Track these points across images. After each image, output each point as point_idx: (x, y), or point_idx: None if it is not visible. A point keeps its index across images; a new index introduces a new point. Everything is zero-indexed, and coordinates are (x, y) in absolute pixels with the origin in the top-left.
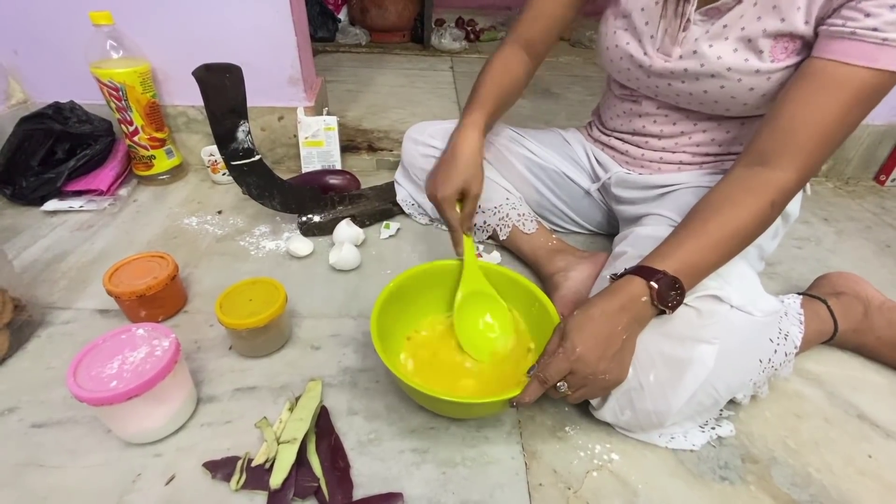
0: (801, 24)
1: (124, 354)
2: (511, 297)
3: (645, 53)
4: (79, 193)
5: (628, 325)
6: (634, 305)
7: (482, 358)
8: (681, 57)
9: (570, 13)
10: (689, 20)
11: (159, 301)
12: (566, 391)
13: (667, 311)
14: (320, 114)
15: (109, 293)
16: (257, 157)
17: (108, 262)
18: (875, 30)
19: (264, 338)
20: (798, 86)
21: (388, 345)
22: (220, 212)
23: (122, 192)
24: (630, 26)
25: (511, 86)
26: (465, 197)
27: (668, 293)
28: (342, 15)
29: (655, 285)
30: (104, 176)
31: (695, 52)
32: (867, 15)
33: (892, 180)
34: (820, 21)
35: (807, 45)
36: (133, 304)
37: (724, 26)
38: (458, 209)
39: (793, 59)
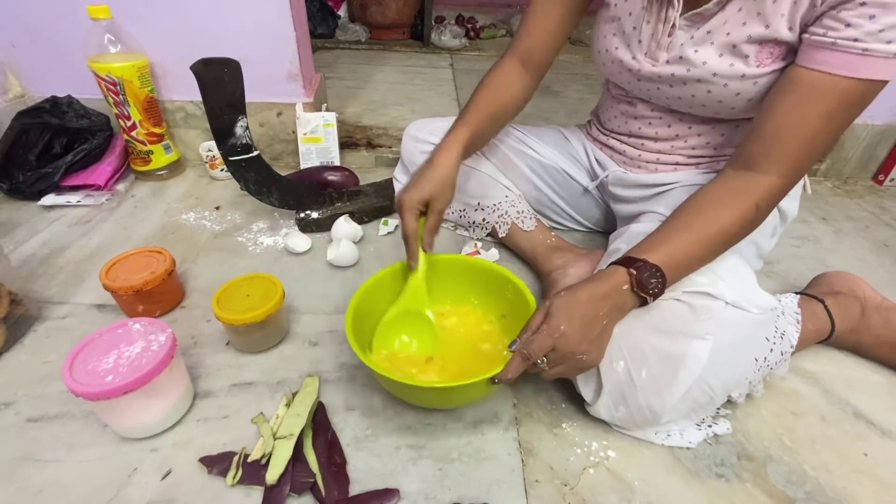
0: (785, 30)
1: (120, 349)
2: (485, 284)
3: (633, 58)
4: (76, 188)
5: (610, 312)
6: (617, 293)
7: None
8: (668, 62)
9: (566, 27)
10: (673, 25)
11: (156, 296)
12: (543, 366)
13: (648, 298)
14: (319, 110)
15: (106, 288)
16: (255, 153)
17: (106, 256)
18: (856, 40)
19: (261, 333)
20: (782, 93)
21: (366, 343)
22: (217, 207)
23: (120, 187)
24: (619, 31)
25: (503, 105)
26: (430, 210)
27: (648, 280)
28: (342, 11)
29: (635, 272)
30: (102, 171)
31: (681, 57)
32: (848, 25)
33: (891, 180)
34: (804, 27)
35: (792, 50)
36: (130, 299)
37: (708, 32)
38: (418, 222)
39: (778, 64)
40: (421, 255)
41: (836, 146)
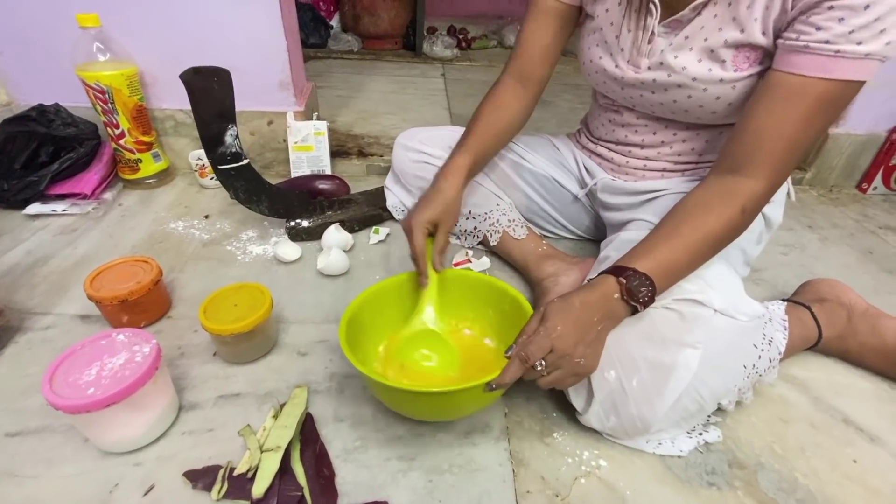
0: (759, 34)
1: (103, 360)
2: (484, 298)
3: (616, 66)
4: (62, 197)
5: (602, 318)
6: (608, 302)
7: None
8: (649, 68)
9: (560, 41)
10: (653, 33)
11: (142, 306)
12: (542, 371)
13: (638, 307)
14: (310, 119)
15: (90, 298)
16: (245, 161)
17: (91, 266)
18: (827, 42)
19: (249, 344)
20: (761, 97)
21: (359, 356)
22: (207, 216)
23: (107, 195)
24: (602, 41)
25: (505, 127)
26: (438, 231)
27: (637, 289)
28: (334, 22)
29: (625, 281)
30: (88, 179)
31: (661, 63)
32: (818, 28)
33: (874, 188)
34: (777, 33)
35: (767, 55)
36: (114, 310)
37: (687, 38)
38: (427, 244)
39: (755, 69)
40: (432, 273)
41: (821, 155)
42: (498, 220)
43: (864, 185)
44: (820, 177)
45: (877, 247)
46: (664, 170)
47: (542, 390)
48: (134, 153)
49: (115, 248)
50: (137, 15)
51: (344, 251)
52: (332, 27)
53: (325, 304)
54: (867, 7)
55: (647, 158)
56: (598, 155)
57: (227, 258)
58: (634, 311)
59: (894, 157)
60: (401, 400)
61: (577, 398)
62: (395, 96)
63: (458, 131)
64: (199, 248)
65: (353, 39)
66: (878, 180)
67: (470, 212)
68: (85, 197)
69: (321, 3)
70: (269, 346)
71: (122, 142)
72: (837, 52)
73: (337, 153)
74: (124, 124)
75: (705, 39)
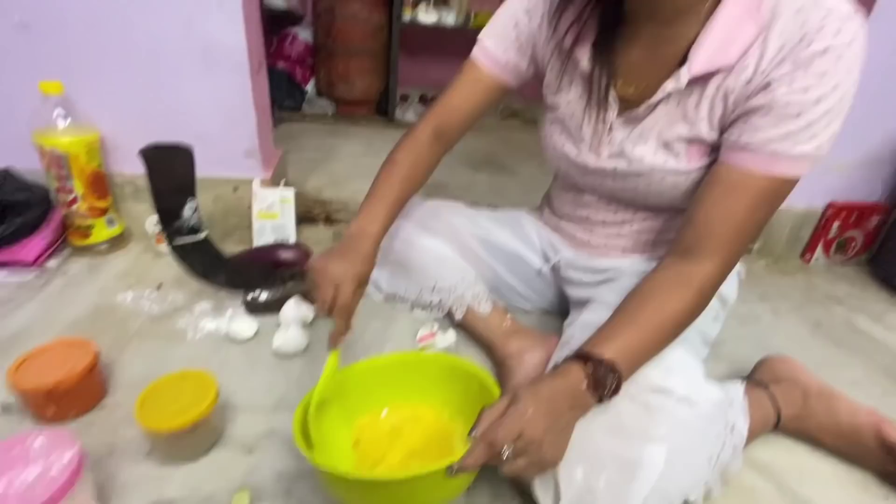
0: (706, 131)
1: (11, 475)
2: (448, 380)
3: (579, 154)
4: (1, 265)
5: (572, 408)
6: (576, 392)
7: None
8: (609, 156)
9: (481, 110)
10: (611, 126)
11: (71, 396)
12: (509, 455)
13: (604, 398)
14: (278, 185)
15: (12, 390)
16: (203, 235)
17: (21, 345)
18: (765, 143)
19: (188, 441)
20: (710, 188)
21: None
22: (159, 286)
23: (52, 263)
24: (565, 130)
25: (418, 181)
26: (356, 289)
27: (604, 379)
28: (309, 87)
29: (591, 370)
30: (33, 246)
31: (621, 152)
32: (757, 130)
33: (816, 259)
34: (722, 129)
35: (715, 148)
36: (39, 401)
37: (643, 131)
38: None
39: (705, 160)
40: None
41: (767, 228)
42: (463, 294)
43: (808, 256)
44: (767, 248)
45: (824, 318)
46: (624, 248)
47: (510, 488)
48: (86, 218)
49: (51, 324)
50: (103, 82)
51: (305, 325)
52: (306, 92)
53: (279, 388)
54: (799, 114)
55: (608, 236)
56: (561, 230)
57: (175, 336)
58: (601, 401)
59: (831, 231)
60: (354, 491)
61: (544, 497)
62: (367, 160)
63: (427, 204)
64: (146, 323)
65: (327, 104)
66: (818, 251)
67: (435, 285)
68: (27, 265)
69: (297, 70)
70: (211, 441)
71: (73, 207)
72: (774, 152)
73: (304, 219)
74: (78, 190)
75: (659, 133)
